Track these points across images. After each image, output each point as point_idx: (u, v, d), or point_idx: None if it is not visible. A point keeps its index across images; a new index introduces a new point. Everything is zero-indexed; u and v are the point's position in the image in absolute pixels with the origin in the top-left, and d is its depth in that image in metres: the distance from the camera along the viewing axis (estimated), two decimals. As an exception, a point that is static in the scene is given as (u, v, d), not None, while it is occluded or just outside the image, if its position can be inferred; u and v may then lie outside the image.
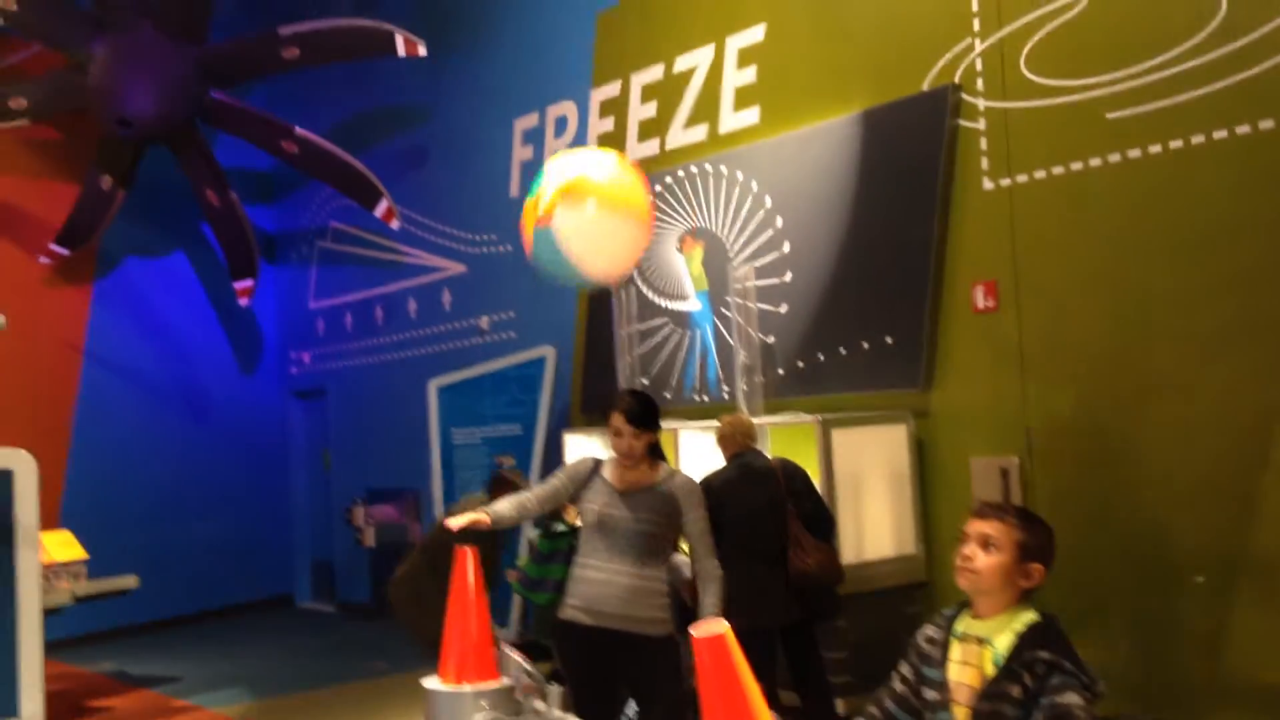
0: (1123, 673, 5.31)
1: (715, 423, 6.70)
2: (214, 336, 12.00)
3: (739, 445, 5.53)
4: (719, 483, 5.27)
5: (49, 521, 8.92)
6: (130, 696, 8.18)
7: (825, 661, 5.39)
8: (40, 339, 10.49)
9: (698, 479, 5.27)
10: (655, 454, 4.44)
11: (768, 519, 5.19)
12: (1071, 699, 2.42)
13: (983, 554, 2.62)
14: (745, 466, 5.38)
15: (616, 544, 4.27)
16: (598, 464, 4.49)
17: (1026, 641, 2.54)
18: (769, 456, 5.57)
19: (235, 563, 11.57)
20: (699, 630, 2.15)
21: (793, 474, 5.38)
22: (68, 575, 7.77)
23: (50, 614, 6.82)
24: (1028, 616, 2.60)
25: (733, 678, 2.09)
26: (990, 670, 2.55)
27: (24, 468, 4.92)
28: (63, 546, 7.83)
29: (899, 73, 6.42)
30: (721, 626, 2.13)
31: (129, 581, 8.13)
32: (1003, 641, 2.57)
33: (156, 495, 11.05)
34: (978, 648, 2.61)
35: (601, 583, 4.26)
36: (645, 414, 4.32)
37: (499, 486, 6.53)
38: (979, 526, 2.65)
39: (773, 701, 4.91)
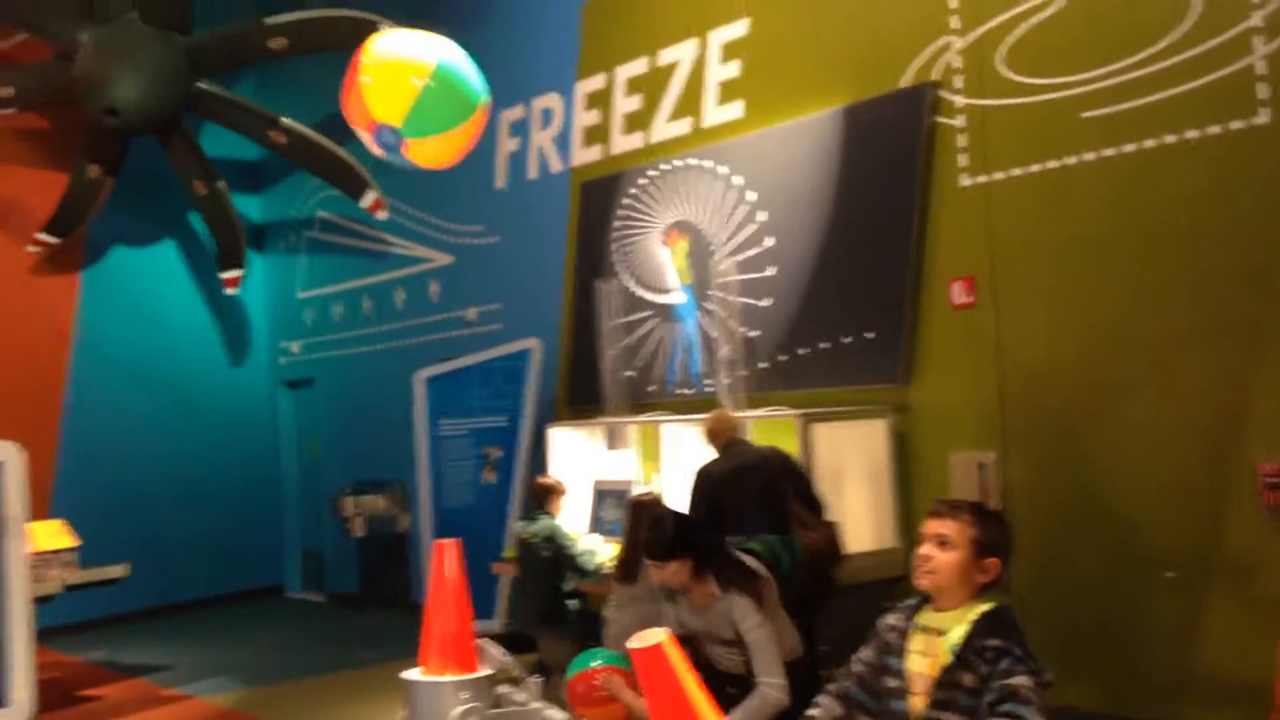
0: (1092, 665, 5.41)
1: (698, 416, 6.78)
2: (203, 325, 12.03)
3: (728, 437, 5.66)
4: (716, 473, 5.44)
5: (40, 511, 8.97)
6: (121, 685, 8.25)
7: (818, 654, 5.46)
8: (29, 328, 10.51)
9: (693, 469, 5.37)
10: (710, 567, 4.10)
11: (764, 502, 5.30)
12: (1020, 680, 2.51)
13: (939, 553, 2.71)
14: (737, 455, 5.55)
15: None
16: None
17: (979, 630, 2.63)
18: (756, 445, 5.68)
19: (226, 552, 11.63)
20: (636, 641, 2.13)
21: (783, 458, 5.54)
22: (59, 564, 7.82)
23: (41, 602, 6.89)
24: (982, 607, 2.69)
25: (674, 685, 2.09)
26: (946, 659, 2.64)
27: (12, 460, 4.99)
28: (53, 535, 7.88)
29: (879, 69, 6.47)
30: (659, 635, 2.12)
31: (119, 570, 8.19)
32: (958, 632, 2.65)
33: (147, 484, 11.09)
34: (936, 638, 2.70)
35: None
36: (660, 544, 4.07)
37: (543, 493, 6.67)
38: (935, 526, 2.74)
39: None
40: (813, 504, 5.46)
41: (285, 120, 10.40)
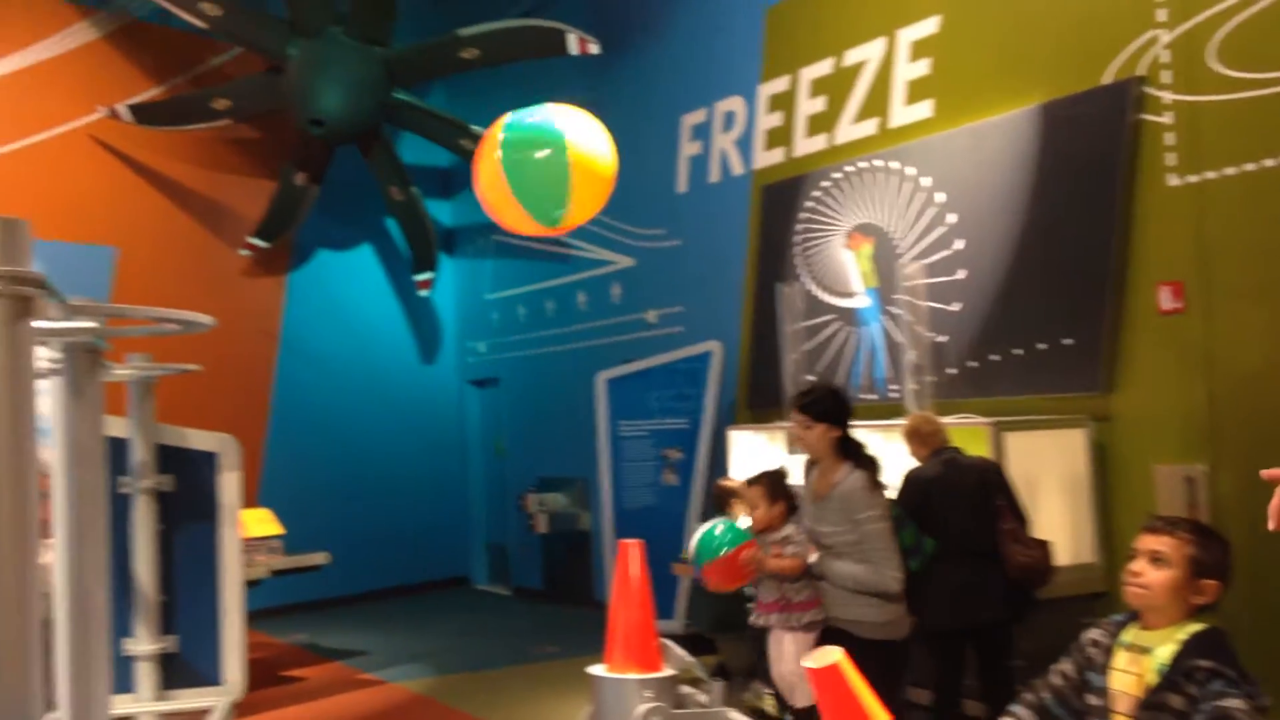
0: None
1: (882, 422, 6.66)
2: (397, 326, 12.55)
3: (939, 442, 5.49)
4: (927, 477, 5.27)
5: (248, 499, 9.49)
6: (321, 668, 8.67)
7: (1015, 670, 5.29)
8: (241, 328, 11.15)
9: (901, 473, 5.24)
10: (846, 452, 4.18)
11: (980, 514, 5.15)
12: (1234, 704, 2.37)
13: (1152, 569, 2.58)
14: (952, 462, 5.32)
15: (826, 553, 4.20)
16: (812, 465, 4.31)
17: (1189, 650, 2.50)
18: (969, 454, 5.49)
19: (417, 544, 12.10)
20: (812, 660, 2.11)
21: (999, 471, 5.36)
22: (265, 550, 8.29)
23: (248, 586, 7.29)
24: (1193, 627, 2.56)
25: (852, 701, 2.07)
26: (1152, 679, 2.52)
27: (228, 451, 5.28)
28: (261, 523, 8.36)
29: (1079, 65, 6.23)
30: (835, 655, 2.10)
31: (320, 558, 8.61)
32: (1166, 651, 2.54)
33: (344, 476, 11.63)
34: (1141, 657, 2.58)
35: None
36: (814, 402, 4.11)
37: (724, 496, 6.71)
38: (1149, 542, 2.61)
39: (957, 711, 4.82)
40: (1024, 522, 5.28)
41: (475, 129, 10.75)
